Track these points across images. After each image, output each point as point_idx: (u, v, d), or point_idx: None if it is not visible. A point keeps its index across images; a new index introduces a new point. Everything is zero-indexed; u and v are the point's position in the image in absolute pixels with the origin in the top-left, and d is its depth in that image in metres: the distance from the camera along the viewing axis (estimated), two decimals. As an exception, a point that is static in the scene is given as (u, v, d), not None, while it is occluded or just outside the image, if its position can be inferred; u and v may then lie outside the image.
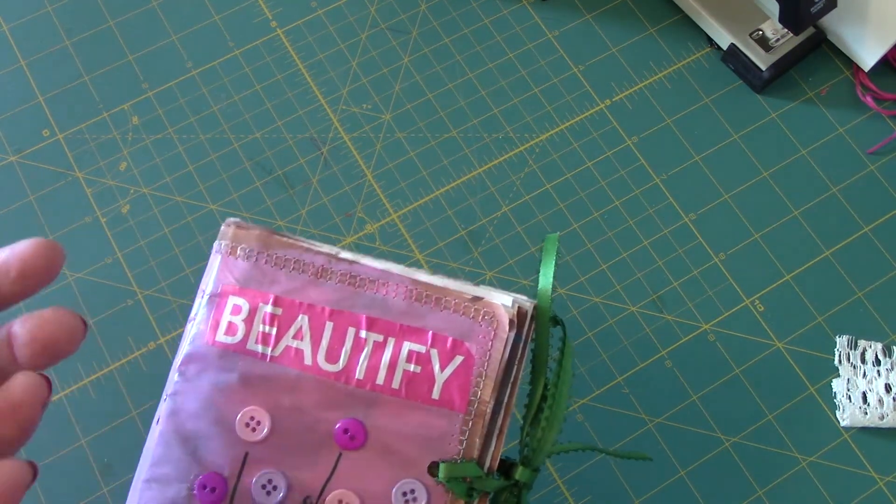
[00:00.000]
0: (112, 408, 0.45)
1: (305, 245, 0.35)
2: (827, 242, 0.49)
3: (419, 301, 0.34)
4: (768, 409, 0.46)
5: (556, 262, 0.35)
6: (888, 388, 0.46)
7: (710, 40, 0.54)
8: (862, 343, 0.47)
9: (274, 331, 0.34)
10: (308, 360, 0.34)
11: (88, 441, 0.44)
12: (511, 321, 0.33)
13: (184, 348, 0.35)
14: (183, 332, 0.35)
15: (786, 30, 0.51)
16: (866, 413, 0.45)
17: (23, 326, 0.28)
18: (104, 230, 0.48)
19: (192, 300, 0.37)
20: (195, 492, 0.33)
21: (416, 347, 0.34)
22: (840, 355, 0.47)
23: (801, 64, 0.53)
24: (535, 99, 0.52)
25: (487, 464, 0.33)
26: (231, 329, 0.34)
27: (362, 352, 0.34)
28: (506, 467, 0.35)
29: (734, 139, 0.52)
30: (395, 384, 0.33)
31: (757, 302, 0.48)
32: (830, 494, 0.44)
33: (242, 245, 0.35)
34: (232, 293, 0.35)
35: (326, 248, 0.35)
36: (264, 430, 0.33)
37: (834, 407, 0.46)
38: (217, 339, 0.34)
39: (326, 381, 0.34)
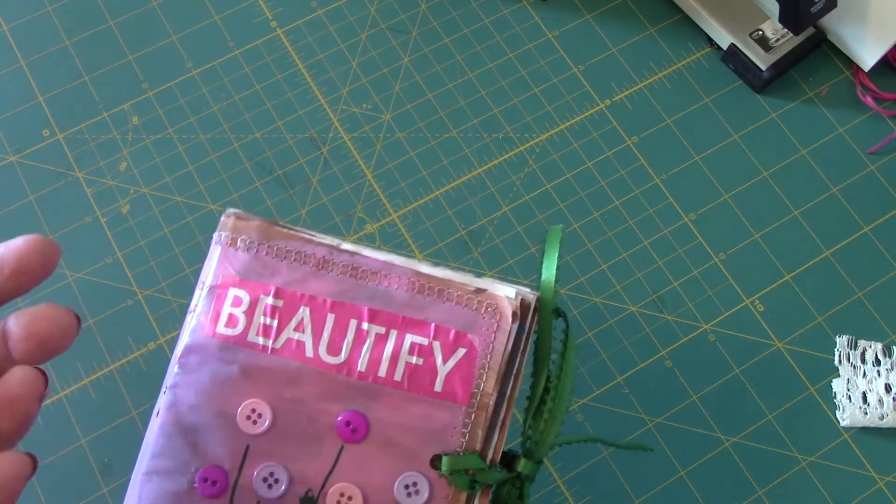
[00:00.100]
0: (112, 408, 0.45)
1: (306, 236, 0.35)
2: (827, 242, 0.49)
3: (421, 293, 0.34)
4: (768, 409, 0.46)
5: (558, 256, 0.35)
6: (888, 388, 0.46)
7: (710, 40, 0.54)
8: (862, 343, 0.47)
9: (275, 323, 0.34)
10: (309, 353, 0.34)
11: (88, 441, 0.44)
12: (514, 313, 0.33)
13: (183, 340, 0.34)
14: (182, 325, 0.35)
15: (786, 30, 0.51)
16: (866, 413, 0.45)
17: (17, 322, 0.28)
18: (104, 230, 0.48)
19: (190, 301, 0.37)
20: (196, 485, 0.33)
21: (419, 339, 0.34)
22: (840, 355, 0.47)
23: (801, 64, 0.53)
24: (535, 99, 0.52)
25: (490, 456, 0.33)
26: (231, 321, 0.34)
27: (364, 344, 0.34)
28: (508, 460, 0.35)
29: (734, 139, 0.52)
30: (398, 376, 0.33)
31: (757, 302, 0.48)
32: (830, 494, 0.44)
33: (243, 236, 0.35)
34: (232, 285, 0.34)
35: (328, 240, 0.35)
36: (265, 423, 0.33)
37: (834, 407, 0.46)
38: (217, 330, 0.34)
39: (328, 373, 0.34)
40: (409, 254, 0.48)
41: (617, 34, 0.54)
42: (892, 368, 0.46)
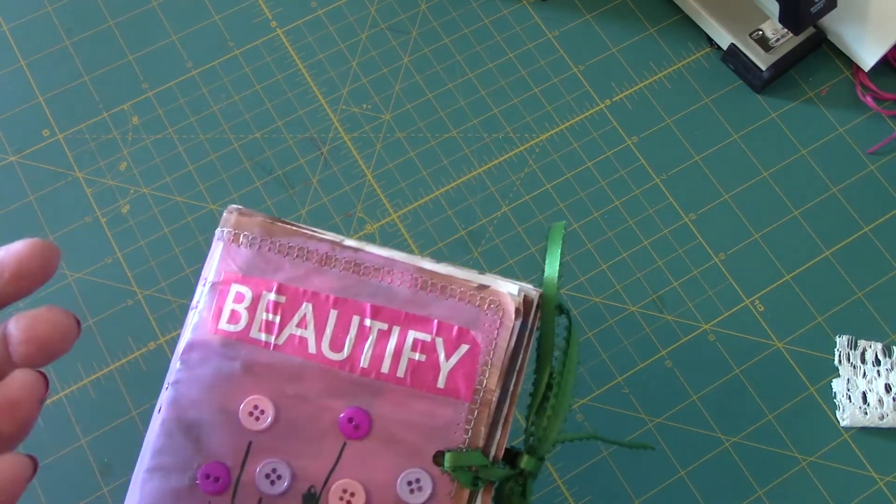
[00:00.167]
0: (112, 408, 0.45)
1: (309, 232, 0.35)
2: (827, 242, 0.49)
3: (424, 289, 0.34)
4: (768, 409, 0.46)
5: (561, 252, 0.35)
6: (888, 388, 0.46)
7: (710, 40, 0.54)
8: (862, 343, 0.47)
9: (277, 319, 0.34)
10: (312, 349, 0.34)
11: (88, 441, 0.44)
12: (517, 309, 0.33)
13: (185, 336, 0.34)
14: (184, 322, 0.35)
15: (786, 30, 0.51)
16: (866, 413, 0.45)
17: (17, 326, 0.28)
18: (104, 230, 0.48)
19: (191, 301, 0.37)
20: (198, 481, 0.33)
21: (422, 336, 0.34)
22: (840, 355, 0.47)
23: (801, 64, 0.53)
24: (535, 99, 0.52)
25: (493, 453, 0.33)
26: (234, 317, 0.34)
27: (367, 340, 0.34)
28: (511, 456, 0.35)
29: (734, 139, 0.52)
30: (400, 373, 0.33)
31: (757, 302, 0.48)
32: (830, 494, 0.44)
33: (245, 232, 0.35)
34: (234, 281, 0.34)
35: (330, 236, 0.35)
36: (268, 419, 0.33)
37: (834, 407, 0.46)
38: (219, 327, 0.34)
39: (331, 369, 0.34)
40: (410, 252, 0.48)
41: (617, 34, 0.54)
42: (892, 368, 0.46)
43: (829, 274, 0.49)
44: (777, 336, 0.47)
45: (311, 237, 0.35)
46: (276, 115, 0.51)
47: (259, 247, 0.35)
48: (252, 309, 0.34)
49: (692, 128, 0.52)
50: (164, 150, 0.50)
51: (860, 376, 0.46)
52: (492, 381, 0.33)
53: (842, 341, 0.47)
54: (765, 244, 0.49)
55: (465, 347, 0.33)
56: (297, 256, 0.34)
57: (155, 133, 0.51)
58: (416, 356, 0.33)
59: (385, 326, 0.34)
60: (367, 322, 0.34)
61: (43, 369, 0.28)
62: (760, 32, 0.52)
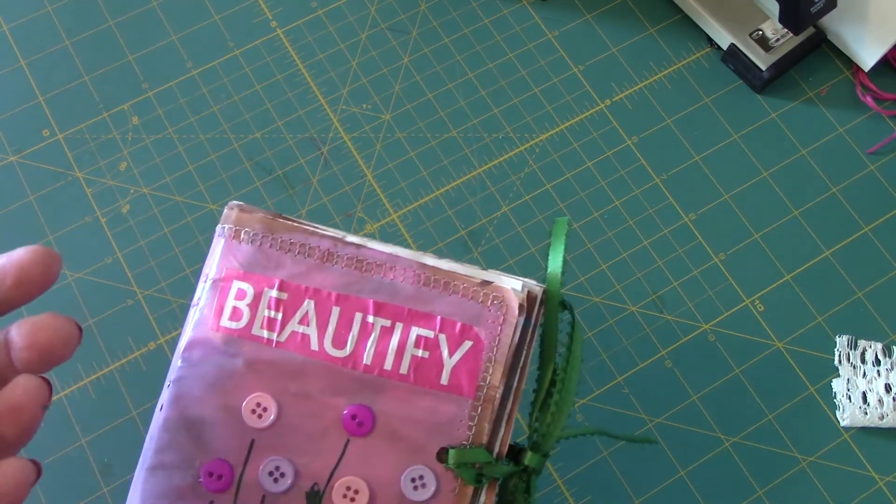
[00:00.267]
0: (112, 408, 0.45)
1: (311, 228, 0.35)
2: (827, 242, 0.49)
3: (427, 285, 0.34)
4: (768, 409, 0.46)
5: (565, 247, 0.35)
6: (888, 388, 0.46)
7: (710, 40, 0.54)
8: (862, 343, 0.47)
9: (279, 316, 0.34)
10: (314, 346, 0.34)
11: (88, 441, 0.44)
12: (521, 306, 0.33)
13: (187, 334, 0.34)
14: (185, 319, 0.35)
15: (786, 30, 0.51)
16: (866, 413, 0.45)
17: (19, 332, 0.28)
18: (104, 230, 0.48)
19: (191, 300, 0.37)
20: (201, 479, 0.33)
21: (425, 332, 0.34)
22: (840, 355, 0.47)
23: (801, 64, 0.53)
24: (535, 99, 0.52)
25: (496, 449, 0.33)
26: (235, 314, 0.34)
27: (370, 337, 0.34)
28: (515, 453, 0.35)
29: (734, 139, 0.52)
30: (404, 369, 0.33)
31: (757, 302, 0.48)
32: (830, 494, 0.44)
33: (246, 228, 0.35)
34: (236, 278, 0.34)
35: (332, 232, 0.35)
36: (271, 417, 0.33)
37: (834, 407, 0.46)
38: (221, 324, 0.34)
39: (333, 366, 0.33)
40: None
41: (617, 34, 0.54)
42: (892, 368, 0.46)
43: (829, 274, 0.49)
44: (777, 336, 0.47)
45: (313, 233, 0.35)
46: (276, 115, 0.51)
47: (260, 243, 0.35)
48: (254, 306, 0.34)
49: (692, 128, 0.52)
50: (164, 150, 0.50)
51: (860, 376, 0.46)
52: (495, 377, 0.33)
53: (842, 341, 0.47)
54: (765, 244, 0.49)
55: (468, 344, 0.33)
56: (298, 253, 0.34)
57: (155, 133, 0.51)
58: (420, 353, 0.33)
59: (388, 323, 0.34)
60: (370, 319, 0.34)
61: (47, 377, 0.29)
62: (760, 32, 0.52)
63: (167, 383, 0.34)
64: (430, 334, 0.33)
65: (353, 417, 0.33)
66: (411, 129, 0.51)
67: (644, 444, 0.45)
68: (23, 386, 0.27)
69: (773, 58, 0.51)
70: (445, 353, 0.33)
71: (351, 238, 0.35)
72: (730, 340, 0.47)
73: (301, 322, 0.34)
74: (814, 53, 0.53)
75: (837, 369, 0.47)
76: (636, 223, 0.49)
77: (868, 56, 0.52)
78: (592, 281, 0.48)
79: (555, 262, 0.35)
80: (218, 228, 0.35)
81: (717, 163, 0.51)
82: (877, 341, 0.47)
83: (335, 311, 0.34)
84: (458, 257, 0.48)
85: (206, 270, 0.35)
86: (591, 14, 0.55)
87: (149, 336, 0.46)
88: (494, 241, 0.49)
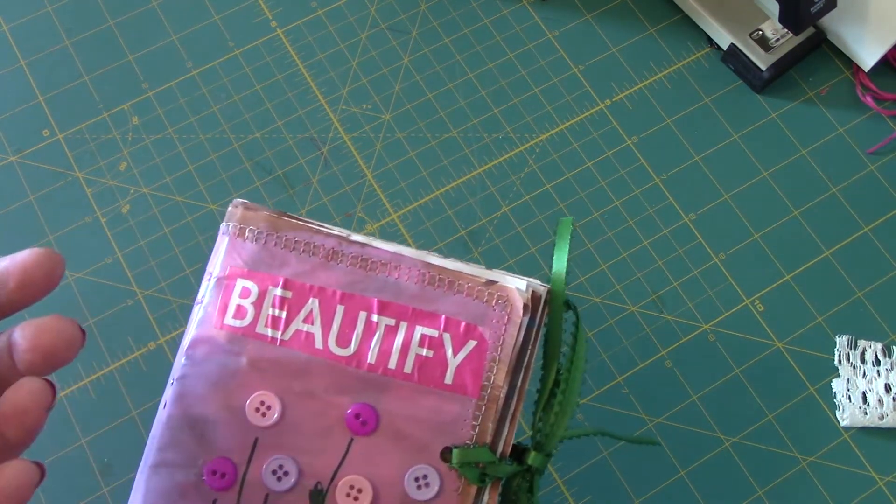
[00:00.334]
0: (112, 408, 0.45)
1: (315, 227, 0.35)
2: (827, 242, 0.49)
3: (432, 285, 0.34)
4: (768, 409, 0.46)
5: (569, 247, 0.35)
6: (888, 388, 0.46)
7: (710, 40, 0.54)
8: (862, 343, 0.47)
9: (284, 314, 0.34)
10: (319, 344, 0.34)
11: (88, 441, 0.44)
12: (525, 305, 0.33)
13: (191, 332, 0.34)
14: (189, 317, 0.35)
15: (786, 30, 0.51)
16: (866, 413, 0.45)
17: (22, 334, 0.28)
18: (104, 230, 0.48)
19: (193, 300, 0.36)
20: (204, 477, 0.33)
21: (429, 332, 0.33)
22: (840, 355, 0.47)
23: (801, 64, 0.53)
24: (535, 99, 0.52)
25: (500, 449, 0.33)
26: (240, 312, 0.34)
27: (374, 336, 0.34)
28: (518, 453, 0.35)
29: (734, 139, 0.52)
30: (408, 369, 0.33)
31: (757, 302, 0.48)
32: (830, 494, 0.44)
33: (251, 227, 0.35)
34: (240, 276, 0.34)
35: (337, 231, 0.35)
36: (274, 415, 0.33)
37: (834, 407, 0.46)
38: (225, 322, 0.34)
39: (337, 365, 0.33)
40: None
41: (617, 34, 0.54)
42: (892, 368, 0.46)
43: (829, 274, 0.49)
44: (777, 336, 0.47)
45: (318, 232, 0.34)
46: (276, 115, 0.51)
47: (265, 241, 0.35)
48: (258, 304, 0.34)
49: (692, 128, 0.52)
50: (164, 150, 0.50)
51: (860, 376, 0.46)
52: (499, 377, 0.33)
53: (842, 341, 0.47)
54: (765, 244, 0.49)
55: (472, 343, 0.33)
56: (303, 251, 0.34)
57: (155, 133, 0.51)
58: (424, 352, 0.33)
59: (392, 322, 0.34)
60: (375, 317, 0.34)
61: (51, 380, 0.29)
62: (760, 32, 0.52)
63: (170, 381, 0.34)
64: (435, 333, 0.33)
65: (357, 416, 0.33)
66: (411, 129, 0.51)
67: (643, 445, 0.45)
68: (27, 388, 0.27)
69: (773, 58, 0.51)
70: (450, 352, 0.33)
71: (356, 237, 0.35)
72: (730, 340, 0.47)
73: (305, 320, 0.34)
74: (814, 53, 0.53)
75: (837, 369, 0.47)
76: (636, 223, 0.49)
77: (868, 56, 0.52)
78: (592, 281, 0.48)
79: (559, 262, 0.35)
80: (222, 226, 0.35)
81: (717, 163, 0.51)
82: (877, 341, 0.47)
83: (339, 309, 0.34)
84: (458, 257, 0.48)
85: (209, 268, 0.35)
86: (591, 14, 0.55)
87: (149, 336, 0.46)
88: (494, 241, 0.49)
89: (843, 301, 0.48)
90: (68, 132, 0.51)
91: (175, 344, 0.46)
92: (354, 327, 0.34)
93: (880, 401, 0.45)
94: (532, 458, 0.34)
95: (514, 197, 0.50)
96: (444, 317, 0.33)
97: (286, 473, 0.33)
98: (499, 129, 0.51)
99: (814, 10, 0.49)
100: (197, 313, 0.34)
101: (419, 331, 0.33)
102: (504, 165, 0.50)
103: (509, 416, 0.33)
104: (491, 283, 0.34)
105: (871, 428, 0.46)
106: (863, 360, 0.47)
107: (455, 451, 0.32)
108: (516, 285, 0.33)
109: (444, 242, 0.49)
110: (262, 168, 0.50)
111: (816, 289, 0.48)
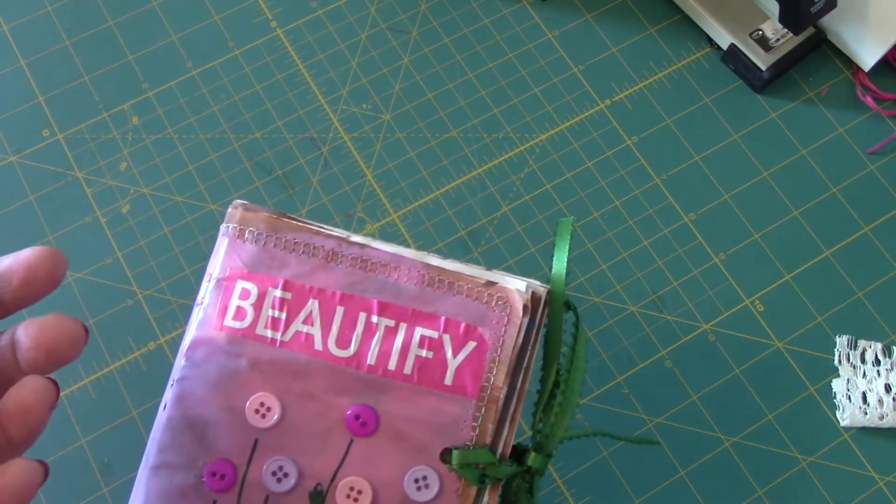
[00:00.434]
0: (112, 408, 0.45)
1: (315, 228, 0.35)
2: (827, 242, 0.49)
3: (431, 286, 0.34)
4: (768, 409, 0.46)
5: (570, 248, 0.35)
6: (888, 388, 0.46)
7: (710, 40, 0.54)
8: (862, 343, 0.47)
9: (283, 315, 0.34)
10: (318, 346, 0.34)
11: (88, 441, 0.44)
12: (525, 306, 0.33)
13: (190, 333, 0.34)
14: (189, 318, 0.35)
15: (786, 30, 0.51)
16: (866, 413, 0.45)
17: (26, 332, 0.29)
18: (104, 230, 0.48)
19: (193, 300, 0.36)
20: (204, 478, 0.33)
21: (429, 333, 0.33)
22: (840, 355, 0.47)
23: (801, 64, 0.53)
24: (535, 99, 0.52)
25: (500, 450, 0.33)
26: (239, 314, 0.34)
27: (374, 337, 0.34)
28: (518, 454, 0.35)
29: (734, 139, 0.52)
30: (407, 370, 0.33)
31: (757, 302, 0.48)
32: (830, 494, 0.44)
33: (251, 228, 0.35)
34: (240, 277, 0.34)
35: (337, 232, 0.35)
36: (274, 417, 0.33)
37: (834, 407, 0.46)
38: (225, 323, 0.34)
39: (337, 366, 0.33)
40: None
41: (617, 34, 0.54)
42: (892, 368, 0.46)
43: (829, 274, 0.49)
44: (777, 336, 0.47)
45: (318, 233, 0.35)
46: (276, 115, 0.51)
47: (265, 243, 0.35)
48: (258, 305, 0.34)
49: (692, 128, 0.52)
50: (164, 150, 0.50)
51: (860, 376, 0.46)
52: (499, 378, 0.33)
53: (842, 341, 0.47)
54: (765, 244, 0.49)
55: (472, 344, 0.33)
56: (303, 252, 0.34)
57: (155, 133, 0.51)
58: (424, 353, 0.33)
59: (392, 323, 0.34)
60: (374, 319, 0.34)
61: (54, 379, 0.29)
62: (760, 32, 0.52)
63: (170, 382, 0.34)
64: (434, 335, 0.33)
65: (357, 417, 0.33)
66: (411, 129, 0.51)
67: (643, 445, 0.45)
68: (30, 386, 0.27)
69: (773, 58, 0.51)
70: (449, 353, 0.33)
71: (355, 238, 0.35)
72: (730, 340, 0.47)
73: (305, 322, 0.34)
74: (814, 53, 0.53)
75: (837, 369, 0.47)
76: (636, 223, 0.49)
77: (868, 56, 0.52)
78: (592, 281, 0.48)
79: (559, 263, 0.35)
80: (222, 227, 0.35)
81: (717, 163, 0.51)
82: (877, 341, 0.47)
83: (339, 310, 0.34)
84: (458, 257, 0.48)
85: (209, 270, 0.35)
86: (591, 14, 0.55)
87: (149, 336, 0.46)
88: (494, 241, 0.49)
89: (843, 301, 0.48)
90: (68, 132, 0.51)
91: (175, 344, 0.46)
92: (354, 328, 0.34)
93: (880, 401, 0.45)
94: (532, 458, 0.34)
95: (514, 197, 0.50)
96: (443, 318, 0.33)
97: (286, 475, 0.33)
98: (499, 129, 0.51)
99: (814, 10, 0.49)
100: (197, 315, 0.34)
101: (419, 332, 0.33)
102: (504, 165, 0.50)
103: (509, 417, 0.33)
104: (490, 283, 0.34)
105: (871, 428, 0.46)
106: (863, 360, 0.47)
107: (455, 453, 0.32)
108: (516, 286, 0.33)
109: (444, 242, 0.49)
110: (262, 168, 0.50)
111: (816, 289, 0.48)
